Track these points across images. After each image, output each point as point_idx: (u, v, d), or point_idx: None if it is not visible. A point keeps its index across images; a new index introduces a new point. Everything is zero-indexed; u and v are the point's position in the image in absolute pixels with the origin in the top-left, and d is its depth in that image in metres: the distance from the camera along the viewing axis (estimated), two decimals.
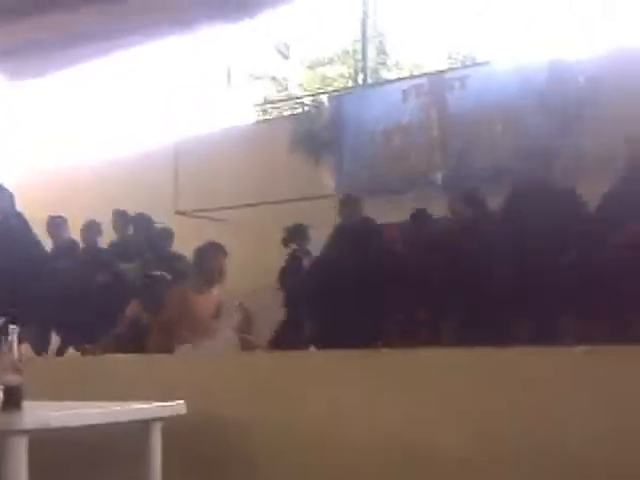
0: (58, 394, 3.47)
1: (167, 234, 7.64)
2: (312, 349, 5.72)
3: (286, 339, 6.10)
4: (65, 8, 6.57)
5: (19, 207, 7.38)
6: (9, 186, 7.38)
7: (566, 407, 3.22)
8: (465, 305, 5.61)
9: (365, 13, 9.82)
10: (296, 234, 7.14)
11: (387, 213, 8.05)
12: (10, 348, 2.86)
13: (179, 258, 7.31)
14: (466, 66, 8.65)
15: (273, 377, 3.98)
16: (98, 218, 7.70)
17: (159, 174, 9.59)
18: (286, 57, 11.19)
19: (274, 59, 11.48)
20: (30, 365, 3.20)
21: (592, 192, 5.78)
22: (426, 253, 6.15)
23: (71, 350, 6.97)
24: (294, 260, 7.06)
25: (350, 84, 11.27)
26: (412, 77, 8.96)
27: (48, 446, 3.07)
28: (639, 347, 3.35)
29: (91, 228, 7.58)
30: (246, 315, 5.66)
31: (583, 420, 3.17)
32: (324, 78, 11.84)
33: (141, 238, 7.57)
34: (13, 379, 2.83)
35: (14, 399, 2.83)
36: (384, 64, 11.13)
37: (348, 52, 11.33)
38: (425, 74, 8.86)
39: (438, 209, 6.65)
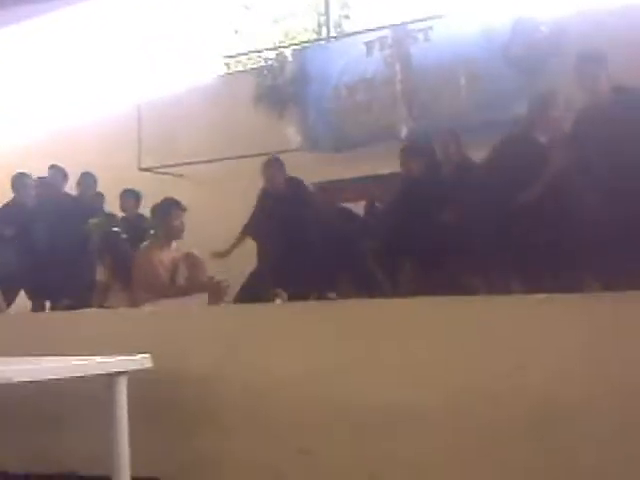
0: (24, 350, 3.46)
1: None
2: (278, 302, 5.75)
3: (252, 292, 6.10)
4: None
5: None
6: None
7: (523, 354, 3.29)
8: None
9: None
10: None
11: (351, 167, 8.09)
12: None
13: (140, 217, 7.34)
14: (429, 18, 8.57)
15: (239, 330, 3.99)
16: None
17: (122, 132, 9.49)
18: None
19: (237, 12, 11.33)
20: None
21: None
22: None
23: (38, 307, 6.96)
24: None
25: (313, 37, 11.17)
26: (375, 29, 8.86)
27: (12, 402, 3.07)
28: (593, 295, 3.45)
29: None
30: (193, 262, 5.60)
31: (543, 364, 3.24)
32: (287, 32, 11.70)
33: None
34: None
35: None
36: (347, 17, 11.02)
37: (311, 5, 11.19)
38: (388, 26, 8.76)
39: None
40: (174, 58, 10.44)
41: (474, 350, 3.36)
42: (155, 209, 5.99)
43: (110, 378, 3.30)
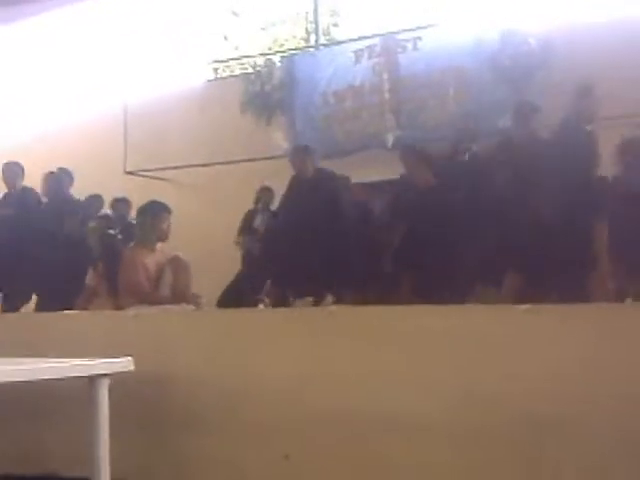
0: (6, 351, 3.44)
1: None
2: (261, 307, 5.73)
3: (238, 297, 6.09)
4: None
5: None
6: None
7: (514, 363, 3.30)
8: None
9: None
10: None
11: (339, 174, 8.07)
12: None
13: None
14: (418, 27, 8.61)
15: (223, 335, 3.98)
16: None
17: (109, 135, 9.47)
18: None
19: (226, 18, 11.33)
20: None
21: None
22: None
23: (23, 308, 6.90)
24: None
25: (302, 45, 11.18)
26: (364, 38, 8.90)
27: None
28: (579, 306, 3.46)
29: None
30: (179, 266, 5.56)
31: (530, 375, 3.25)
32: (276, 39, 11.70)
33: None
34: None
35: None
36: (336, 25, 11.04)
37: (300, 13, 11.21)
38: (377, 35, 8.79)
39: (389, 171, 6.67)
40: (162, 62, 10.43)
41: (462, 358, 3.37)
42: (141, 211, 5.95)
43: (92, 380, 3.28)
